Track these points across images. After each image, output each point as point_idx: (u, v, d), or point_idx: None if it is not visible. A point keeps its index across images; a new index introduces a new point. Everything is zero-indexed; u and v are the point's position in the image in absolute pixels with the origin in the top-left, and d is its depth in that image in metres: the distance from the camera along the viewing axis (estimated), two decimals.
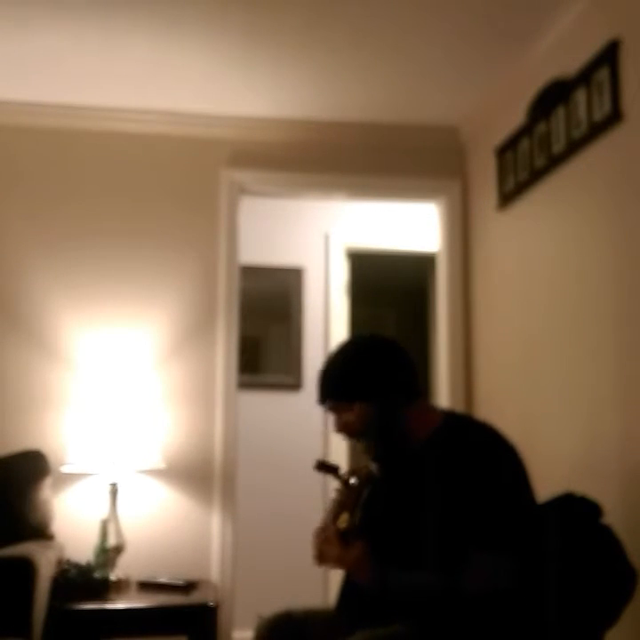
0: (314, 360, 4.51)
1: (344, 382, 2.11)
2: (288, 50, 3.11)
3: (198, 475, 3.54)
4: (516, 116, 3.23)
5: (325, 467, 2.21)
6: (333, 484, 2.26)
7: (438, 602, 1.90)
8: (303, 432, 4.51)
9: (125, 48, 3.08)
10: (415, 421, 2.09)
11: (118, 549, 3.17)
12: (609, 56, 2.55)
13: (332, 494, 2.17)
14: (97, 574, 3.01)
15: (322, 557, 2.08)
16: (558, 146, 2.88)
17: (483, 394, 3.62)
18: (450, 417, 2.16)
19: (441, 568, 1.91)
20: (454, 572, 1.88)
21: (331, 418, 2.20)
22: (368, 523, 2.07)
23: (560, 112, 2.86)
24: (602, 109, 2.58)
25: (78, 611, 2.88)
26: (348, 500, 2.10)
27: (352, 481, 2.13)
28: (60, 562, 3.01)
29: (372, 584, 1.97)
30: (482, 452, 1.96)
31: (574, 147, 2.77)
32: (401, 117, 3.74)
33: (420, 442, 2.06)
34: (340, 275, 4.76)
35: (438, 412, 2.17)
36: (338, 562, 2.04)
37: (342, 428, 2.14)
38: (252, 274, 4.29)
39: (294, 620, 2.14)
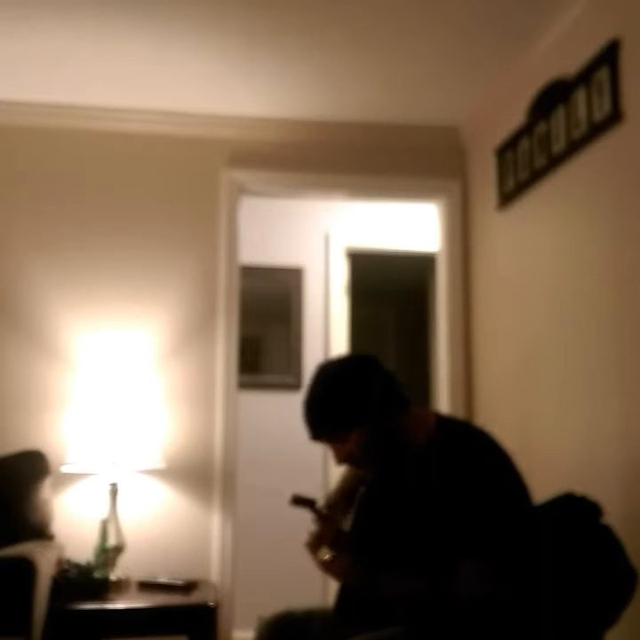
0: (314, 360, 4.51)
1: (334, 415, 2.06)
2: (288, 50, 3.11)
3: (198, 475, 3.54)
4: (515, 116, 3.23)
5: (301, 501, 2.12)
6: (333, 484, 2.24)
7: (426, 608, 1.91)
8: (303, 432, 4.46)
9: (125, 48, 3.08)
10: (412, 428, 2.07)
11: (118, 549, 3.17)
12: (609, 56, 2.55)
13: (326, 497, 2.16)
14: (97, 574, 3.01)
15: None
16: (558, 146, 2.88)
17: (483, 393, 3.62)
18: (443, 422, 2.14)
19: (432, 573, 1.91)
20: (444, 577, 1.89)
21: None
22: (362, 527, 2.07)
23: (560, 112, 2.86)
24: (602, 109, 2.58)
25: (78, 611, 2.88)
26: (325, 532, 2.07)
27: (328, 512, 2.10)
28: (60, 562, 3.00)
29: (360, 589, 2.00)
30: (475, 460, 1.96)
31: (574, 147, 2.77)
32: (401, 117, 3.74)
33: (420, 446, 2.05)
34: (340, 275, 4.76)
35: (430, 414, 2.16)
36: (325, 570, 2.06)
37: (345, 459, 2.10)
38: (252, 274, 4.29)
39: (295, 621, 2.14)
